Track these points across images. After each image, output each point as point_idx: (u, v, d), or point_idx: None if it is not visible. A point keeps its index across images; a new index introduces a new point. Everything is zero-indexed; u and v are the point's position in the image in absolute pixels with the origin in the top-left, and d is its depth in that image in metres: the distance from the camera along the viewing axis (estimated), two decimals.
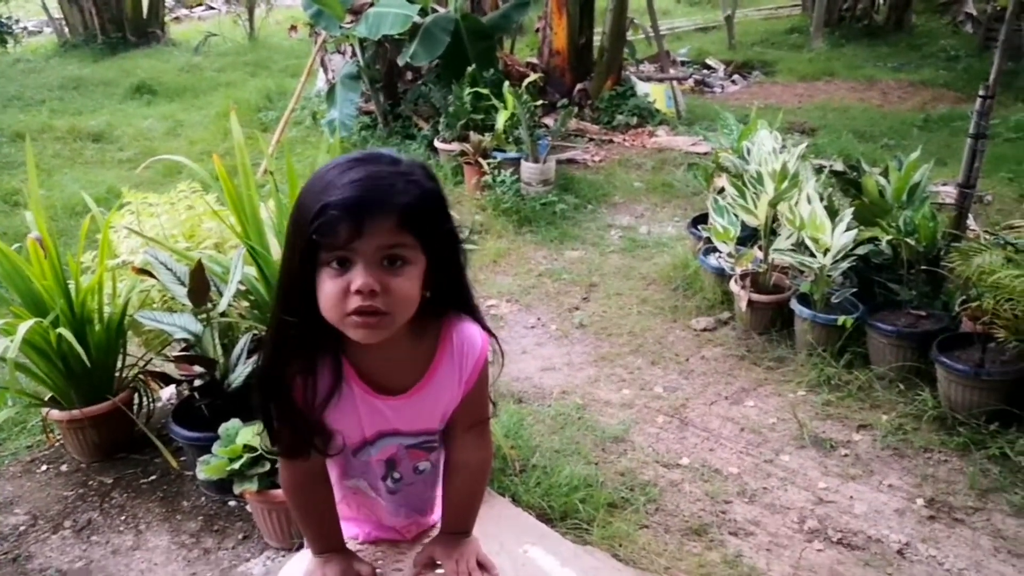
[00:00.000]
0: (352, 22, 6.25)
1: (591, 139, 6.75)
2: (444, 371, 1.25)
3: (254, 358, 2.53)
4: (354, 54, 6.56)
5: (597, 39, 7.53)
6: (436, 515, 1.51)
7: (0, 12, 12.01)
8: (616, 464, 2.84)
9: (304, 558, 1.41)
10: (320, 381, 1.20)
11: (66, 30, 12.50)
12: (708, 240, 3.98)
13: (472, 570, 1.36)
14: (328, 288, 1.08)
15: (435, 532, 1.48)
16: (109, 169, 6.51)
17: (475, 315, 1.29)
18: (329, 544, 1.38)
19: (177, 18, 15.63)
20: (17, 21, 13.12)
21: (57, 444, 2.94)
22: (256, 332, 2.71)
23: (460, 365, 1.25)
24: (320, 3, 6.19)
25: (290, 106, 6.67)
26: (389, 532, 1.49)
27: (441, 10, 6.55)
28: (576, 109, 6.86)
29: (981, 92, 3.40)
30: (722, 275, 3.91)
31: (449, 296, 1.22)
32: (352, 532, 1.48)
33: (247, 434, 2.32)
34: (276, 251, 2.64)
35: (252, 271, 2.65)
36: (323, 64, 7.29)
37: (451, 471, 1.38)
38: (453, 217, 1.19)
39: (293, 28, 8.94)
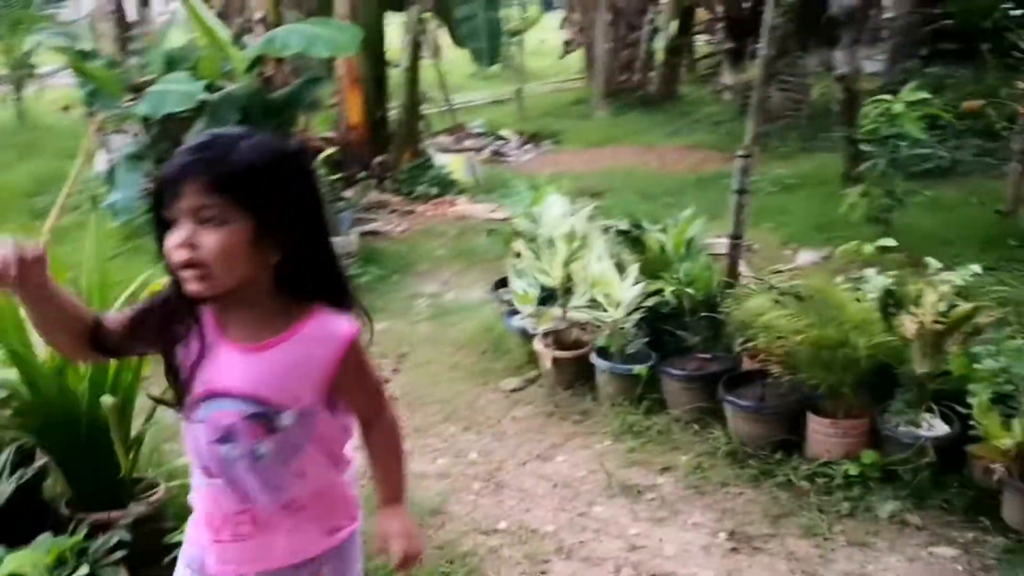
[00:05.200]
0: (133, 99, 5.95)
1: (393, 210, 6.79)
2: (298, 346, 1.32)
3: (18, 473, 2.26)
4: (137, 133, 6.23)
5: (394, 113, 7.65)
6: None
7: None
8: (434, 538, 2.78)
9: None
10: (194, 335, 1.33)
11: None
12: (510, 303, 4.08)
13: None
14: (164, 247, 1.24)
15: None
16: None
17: (345, 301, 1.40)
18: None
19: None
20: None
21: None
22: (22, 443, 2.43)
23: (317, 351, 1.34)
24: (94, 80, 5.85)
25: (65, 190, 6.17)
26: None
27: (229, 86, 6.37)
28: (376, 181, 6.90)
29: (740, 152, 3.78)
30: (527, 335, 4.00)
31: (313, 276, 1.34)
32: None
33: (13, 561, 2.04)
34: (40, 350, 2.40)
35: (13, 375, 2.38)
36: (102, 144, 6.86)
37: (371, 446, 1.55)
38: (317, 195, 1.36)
39: (66, 108, 8.39)
